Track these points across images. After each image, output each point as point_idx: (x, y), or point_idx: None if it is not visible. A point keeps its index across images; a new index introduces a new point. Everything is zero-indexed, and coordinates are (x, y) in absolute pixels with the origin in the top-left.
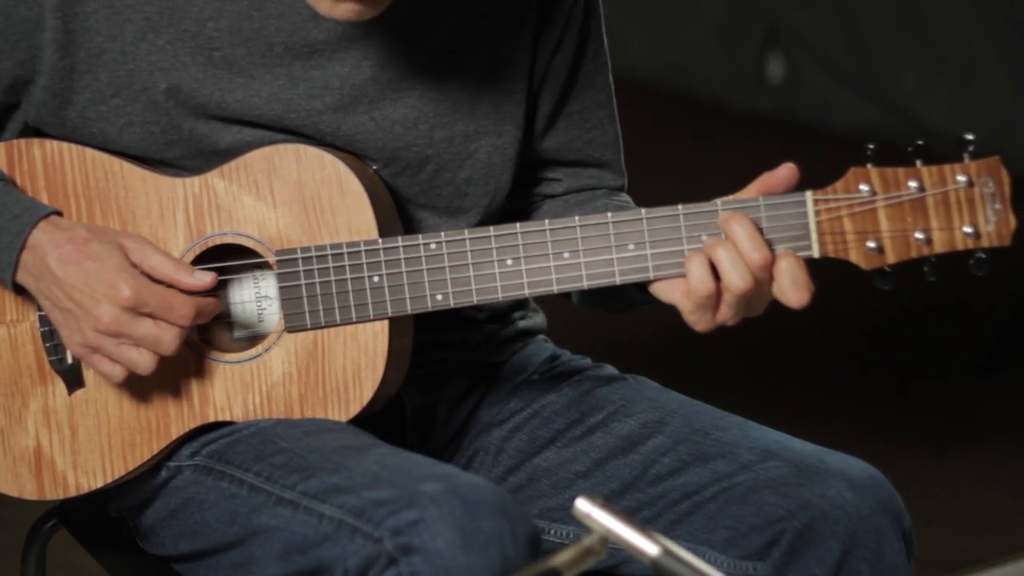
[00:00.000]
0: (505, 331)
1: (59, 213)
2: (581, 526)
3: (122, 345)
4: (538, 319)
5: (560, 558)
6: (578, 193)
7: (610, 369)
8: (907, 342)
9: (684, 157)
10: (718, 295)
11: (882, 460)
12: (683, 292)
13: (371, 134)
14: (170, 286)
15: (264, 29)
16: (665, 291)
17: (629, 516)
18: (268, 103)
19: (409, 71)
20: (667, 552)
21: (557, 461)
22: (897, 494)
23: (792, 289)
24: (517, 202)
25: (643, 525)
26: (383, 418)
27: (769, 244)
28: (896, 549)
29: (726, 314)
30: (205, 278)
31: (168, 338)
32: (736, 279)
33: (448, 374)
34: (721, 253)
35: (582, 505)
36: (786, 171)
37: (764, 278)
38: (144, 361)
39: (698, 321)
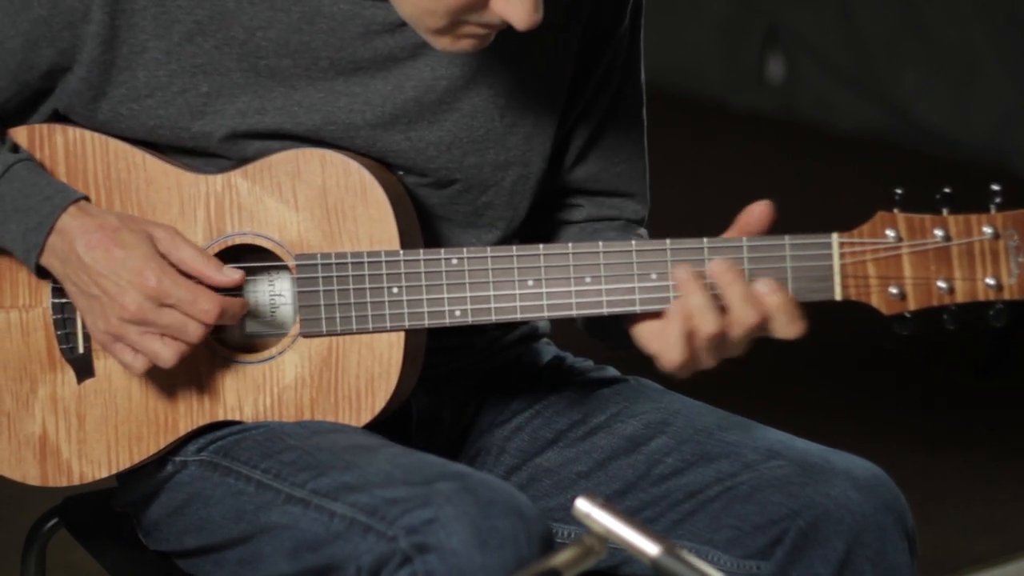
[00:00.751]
0: (510, 335)
1: (87, 199)
2: (582, 526)
3: (146, 335)
4: (542, 323)
5: (560, 558)
6: (596, 222)
7: (612, 371)
8: (907, 342)
9: (684, 157)
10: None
11: (883, 460)
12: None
13: (404, 153)
14: (198, 280)
15: (313, 43)
16: (644, 336)
17: (629, 516)
18: (308, 113)
19: (449, 96)
20: (667, 552)
21: (559, 461)
22: (901, 494)
23: (790, 326)
24: (536, 225)
25: (643, 525)
26: (388, 420)
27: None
28: (900, 548)
29: (701, 359)
30: (234, 275)
31: (192, 328)
32: (706, 324)
33: (453, 377)
34: (734, 296)
35: (582, 505)
36: (760, 208)
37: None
38: (167, 353)
39: (669, 361)
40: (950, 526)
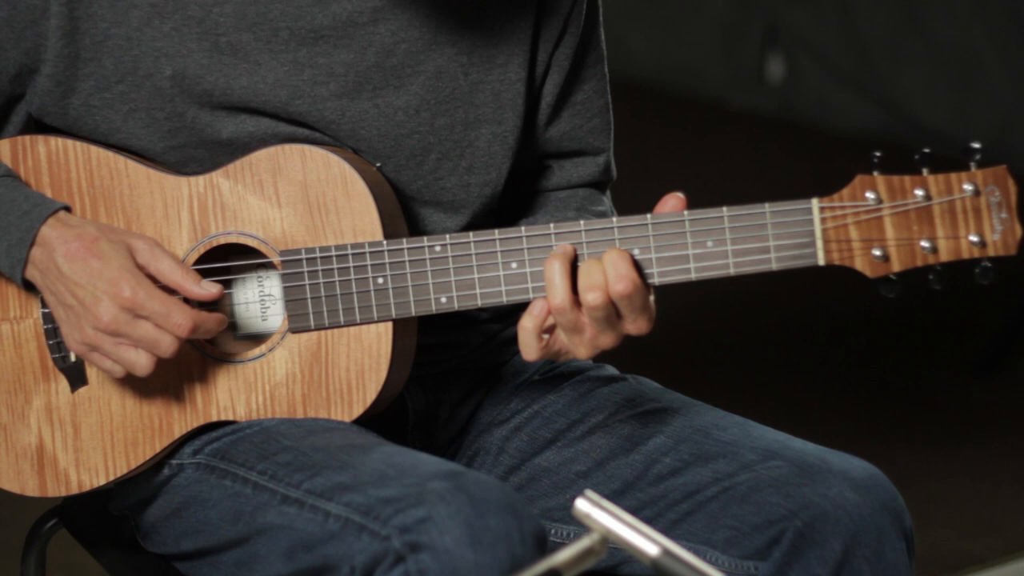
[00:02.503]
0: (506, 331)
1: (68, 208)
2: (582, 526)
3: (120, 345)
4: None
5: (560, 558)
6: (567, 189)
7: (611, 369)
8: (907, 341)
9: (684, 157)
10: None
11: (882, 459)
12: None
13: (374, 121)
14: (176, 293)
15: (269, 14)
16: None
17: (629, 516)
18: (273, 89)
19: (411, 59)
20: (667, 552)
21: (558, 461)
22: (898, 494)
23: (641, 316)
24: (511, 198)
25: (643, 525)
26: (385, 418)
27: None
28: (897, 549)
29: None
30: (211, 289)
31: (166, 342)
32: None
33: (450, 374)
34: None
35: (582, 505)
36: (673, 202)
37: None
38: (141, 362)
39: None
40: (950, 526)
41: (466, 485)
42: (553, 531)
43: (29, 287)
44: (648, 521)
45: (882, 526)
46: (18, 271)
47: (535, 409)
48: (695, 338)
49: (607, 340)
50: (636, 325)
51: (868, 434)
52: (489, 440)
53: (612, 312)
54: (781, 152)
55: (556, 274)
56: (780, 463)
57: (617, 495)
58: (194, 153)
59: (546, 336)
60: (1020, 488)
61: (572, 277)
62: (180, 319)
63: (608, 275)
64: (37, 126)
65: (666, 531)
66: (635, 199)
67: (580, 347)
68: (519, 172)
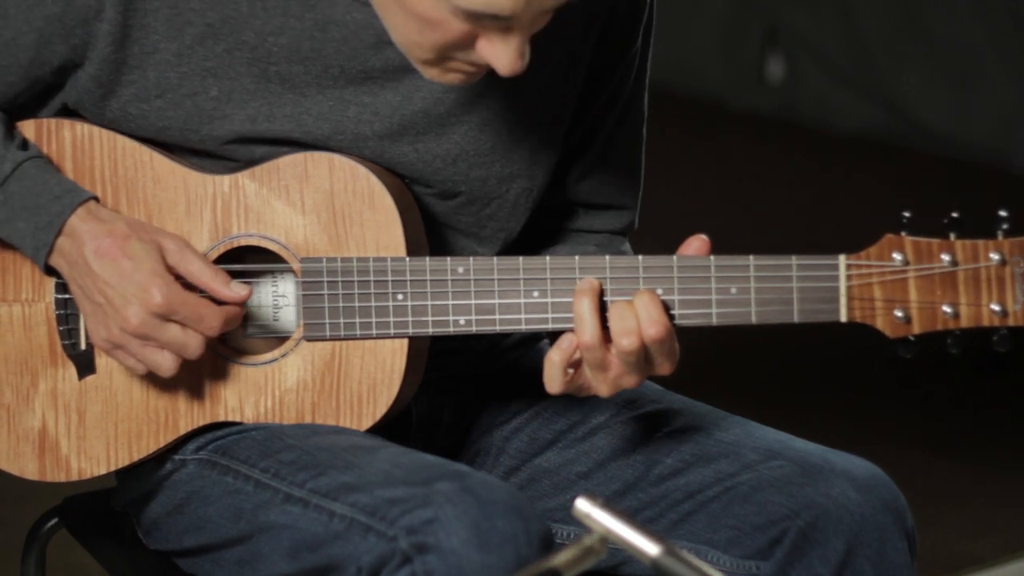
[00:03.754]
0: (510, 339)
1: (97, 199)
2: (583, 526)
3: (147, 347)
4: None
5: (560, 558)
6: (587, 233)
7: None
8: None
9: (684, 157)
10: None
11: (883, 460)
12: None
13: (412, 164)
14: (203, 293)
15: (324, 50)
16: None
17: (629, 516)
18: (316, 122)
19: (459, 109)
20: (668, 552)
21: (559, 462)
22: (900, 493)
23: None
24: (529, 232)
25: (643, 525)
26: (388, 422)
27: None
28: (899, 548)
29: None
30: (241, 292)
31: (194, 344)
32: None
33: (454, 380)
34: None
35: (582, 505)
36: (698, 244)
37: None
38: (167, 364)
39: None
40: (950, 526)
41: (473, 486)
42: (554, 532)
43: (51, 273)
44: (649, 522)
45: (884, 526)
46: (42, 255)
47: (536, 410)
48: (695, 340)
49: (630, 381)
50: (662, 368)
51: (869, 434)
52: (490, 441)
53: (643, 356)
54: (781, 152)
55: (586, 311)
56: (782, 463)
57: (618, 496)
58: (222, 164)
59: (571, 371)
60: (1020, 488)
61: (600, 313)
62: (212, 320)
63: (641, 319)
64: (73, 116)
65: (668, 531)
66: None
67: (603, 385)
68: (543, 210)
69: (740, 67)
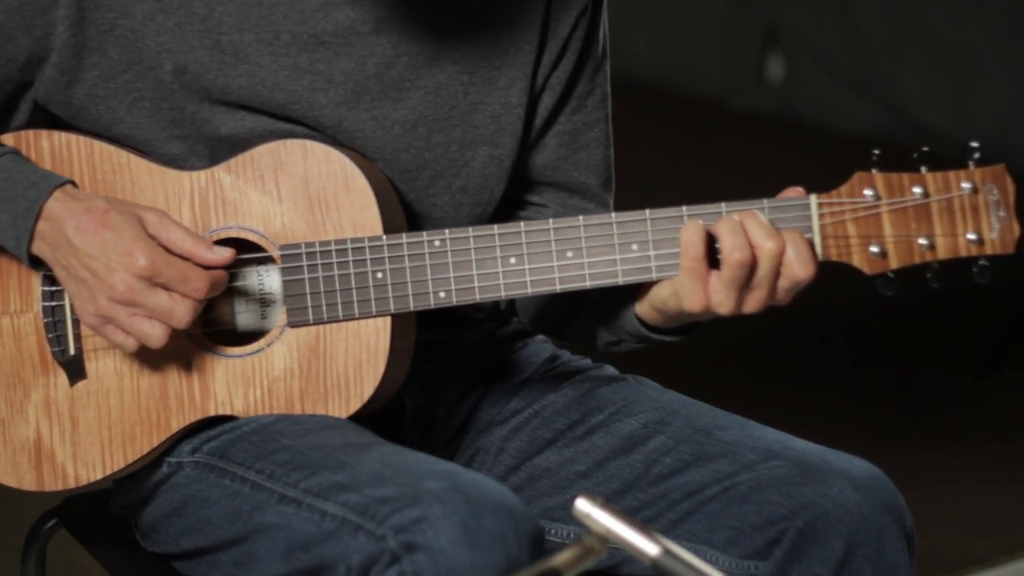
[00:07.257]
0: (503, 330)
1: (74, 184)
2: (582, 526)
3: (135, 316)
4: None
5: (560, 558)
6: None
7: (610, 369)
8: (907, 341)
9: (684, 157)
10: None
11: (882, 460)
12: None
13: (371, 132)
14: (186, 259)
15: (272, 16)
16: (666, 286)
17: (629, 516)
18: (271, 92)
19: (411, 72)
20: (667, 552)
21: (558, 461)
22: (899, 493)
23: (799, 264)
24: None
25: (643, 525)
26: (383, 417)
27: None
28: (898, 548)
29: (720, 293)
30: (224, 253)
31: (181, 310)
32: (734, 251)
33: (448, 373)
34: (723, 226)
35: (582, 505)
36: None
37: (767, 261)
38: (156, 333)
39: (691, 294)
40: (950, 526)
41: (462, 485)
42: (553, 531)
43: (36, 264)
44: (648, 521)
45: (883, 526)
46: (24, 243)
47: (535, 409)
48: (695, 339)
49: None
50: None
51: (868, 434)
52: (489, 440)
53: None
54: (781, 152)
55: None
56: (781, 463)
57: (617, 495)
58: (195, 147)
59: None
60: (1020, 488)
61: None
62: (198, 282)
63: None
64: (45, 116)
65: (666, 531)
66: (635, 200)
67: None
68: (516, 202)
69: (740, 67)
